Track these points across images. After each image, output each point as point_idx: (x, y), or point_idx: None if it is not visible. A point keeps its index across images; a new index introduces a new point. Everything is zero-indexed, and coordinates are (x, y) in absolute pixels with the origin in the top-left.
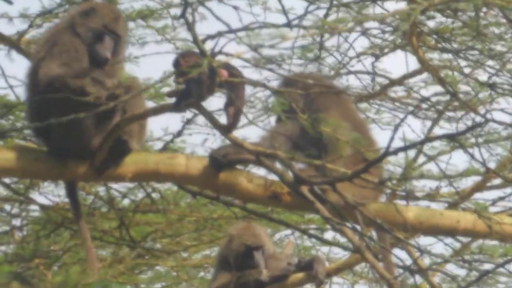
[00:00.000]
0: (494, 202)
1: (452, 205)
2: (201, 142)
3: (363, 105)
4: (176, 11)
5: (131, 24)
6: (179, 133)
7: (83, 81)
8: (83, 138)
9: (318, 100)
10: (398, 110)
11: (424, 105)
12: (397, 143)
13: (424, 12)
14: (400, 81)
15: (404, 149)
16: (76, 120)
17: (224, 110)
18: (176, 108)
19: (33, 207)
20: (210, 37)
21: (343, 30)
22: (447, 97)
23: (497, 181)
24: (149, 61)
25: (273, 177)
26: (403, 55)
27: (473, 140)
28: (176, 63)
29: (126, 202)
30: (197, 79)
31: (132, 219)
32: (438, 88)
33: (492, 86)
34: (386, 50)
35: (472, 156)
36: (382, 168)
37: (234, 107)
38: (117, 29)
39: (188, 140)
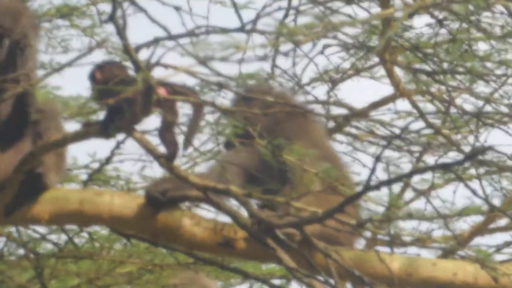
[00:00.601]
0: (499, 249)
1: (448, 253)
2: (137, 170)
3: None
4: (105, 7)
5: (50, 25)
6: (108, 161)
7: None
8: None
9: (281, 122)
10: (363, 149)
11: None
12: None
13: (411, 16)
14: (365, 112)
15: (388, 182)
16: None
17: (160, 136)
18: (103, 133)
19: None
20: (145, 45)
21: (309, 39)
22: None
23: (503, 221)
24: (76, 70)
25: (224, 218)
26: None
27: (473, 171)
28: (92, 78)
29: (47, 246)
30: (129, 98)
31: (53, 267)
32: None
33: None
34: (345, 75)
35: (472, 191)
36: (360, 206)
37: (171, 131)
38: (17, 29)
39: (123, 168)
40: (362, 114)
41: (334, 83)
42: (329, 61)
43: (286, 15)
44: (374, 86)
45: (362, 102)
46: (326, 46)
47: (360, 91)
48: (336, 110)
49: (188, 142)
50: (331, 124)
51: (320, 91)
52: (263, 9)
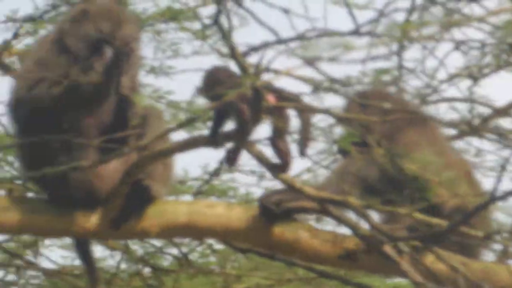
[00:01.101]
0: None
1: None
2: (255, 181)
3: (458, 143)
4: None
5: (160, 26)
6: (216, 173)
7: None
8: (90, 179)
9: (400, 129)
10: (506, 149)
11: None
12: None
13: None
14: (507, 110)
15: None
16: (78, 155)
17: (272, 145)
18: (212, 142)
19: (34, 272)
20: (253, 49)
21: (425, 38)
22: None
23: None
24: (186, 74)
25: (344, 230)
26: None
27: None
28: (206, 83)
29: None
30: (237, 106)
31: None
32: None
33: None
34: (486, 70)
35: None
36: (487, 218)
37: (284, 139)
38: (119, 36)
39: (238, 179)
40: (504, 112)
41: (475, 79)
42: (466, 57)
43: (408, 16)
44: None
45: (503, 100)
46: (460, 43)
47: (502, 88)
48: (478, 108)
49: (302, 151)
50: (475, 121)
51: (453, 91)
52: (382, 10)
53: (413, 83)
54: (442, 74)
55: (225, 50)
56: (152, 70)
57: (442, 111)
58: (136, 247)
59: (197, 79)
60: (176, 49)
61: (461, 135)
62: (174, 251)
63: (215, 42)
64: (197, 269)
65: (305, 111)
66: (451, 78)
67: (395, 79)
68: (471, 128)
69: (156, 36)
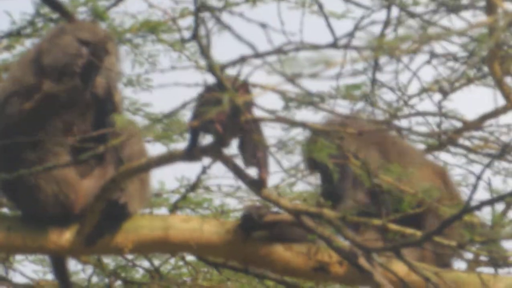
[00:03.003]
0: None
1: None
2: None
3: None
4: (188, 21)
5: (137, 40)
6: (193, 188)
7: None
8: (65, 193)
9: (375, 143)
10: (474, 163)
11: None
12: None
13: None
14: (477, 125)
15: (491, 202)
16: (52, 171)
17: (246, 158)
18: (188, 156)
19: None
20: (231, 63)
21: (403, 52)
22: None
23: None
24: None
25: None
26: (480, 90)
27: None
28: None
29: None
30: (214, 120)
31: None
32: None
33: None
34: (457, 84)
35: None
36: (457, 227)
37: (261, 153)
38: (96, 39)
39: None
40: (474, 126)
41: (445, 93)
42: (437, 71)
43: (384, 29)
44: (486, 97)
45: (473, 114)
46: (433, 56)
47: (471, 102)
48: (447, 123)
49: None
50: (443, 136)
51: (425, 104)
52: (358, 23)
53: (385, 97)
54: (415, 87)
55: (203, 64)
56: (130, 83)
57: (414, 124)
58: (108, 260)
59: (173, 93)
60: (153, 61)
61: (430, 149)
62: (146, 263)
63: (193, 53)
64: (169, 281)
65: (256, 135)
66: (422, 92)
67: (366, 94)
68: (440, 142)
69: (133, 49)
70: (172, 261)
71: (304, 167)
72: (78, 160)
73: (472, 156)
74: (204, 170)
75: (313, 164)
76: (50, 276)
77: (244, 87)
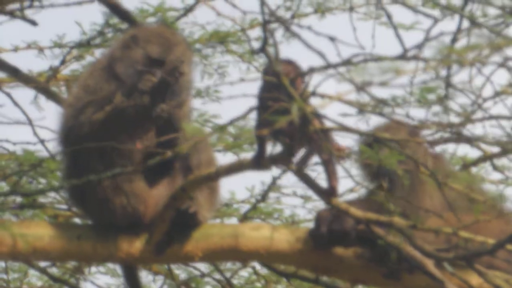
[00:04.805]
0: None
1: None
2: (303, 205)
3: (500, 161)
4: (257, 32)
5: (206, 50)
6: (263, 198)
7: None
8: (134, 204)
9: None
10: None
11: None
12: None
13: None
14: None
15: None
16: (122, 179)
17: (323, 167)
18: (257, 165)
19: None
20: (300, 74)
21: (476, 61)
22: None
23: None
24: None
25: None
26: None
27: None
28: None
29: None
30: (284, 129)
31: None
32: None
33: None
34: None
35: None
36: None
37: (330, 162)
38: (168, 58)
39: (284, 198)
40: None
41: None
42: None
43: (454, 39)
44: None
45: None
46: (506, 60)
47: None
48: None
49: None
50: None
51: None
52: (427, 33)
53: (459, 101)
54: (488, 92)
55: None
56: (199, 94)
57: (488, 128)
58: (179, 271)
59: (243, 104)
60: (222, 72)
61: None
62: (217, 275)
63: (262, 65)
64: None
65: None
66: (497, 95)
67: (441, 98)
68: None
69: (203, 60)
70: (244, 274)
71: (363, 176)
72: (147, 166)
73: None
74: (274, 179)
75: (375, 172)
76: None
77: (300, 77)
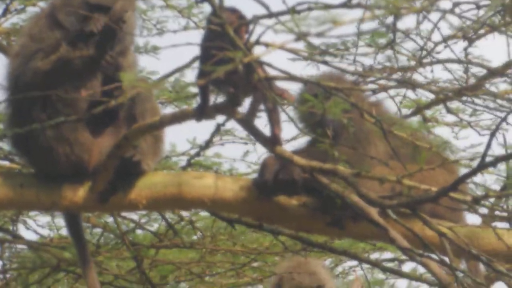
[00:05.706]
0: None
1: None
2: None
3: (454, 104)
4: None
5: (145, 6)
6: (207, 145)
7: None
8: (78, 153)
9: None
10: (501, 109)
11: None
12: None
13: None
14: (502, 71)
15: (506, 158)
16: (66, 128)
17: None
18: (201, 114)
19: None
20: (244, 23)
21: (416, 10)
22: None
23: None
24: (171, 52)
25: None
26: (504, 38)
27: None
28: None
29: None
30: (228, 78)
31: (153, 257)
32: None
33: None
34: (481, 32)
35: None
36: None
37: (274, 111)
38: (109, 5)
39: (223, 153)
40: (498, 72)
41: (470, 40)
42: (460, 20)
43: None
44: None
45: (497, 62)
46: (456, 4)
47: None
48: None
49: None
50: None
51: (447, 53)
52: None
53: (407, 46)
54: (437, 37)
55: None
56: (137, 49)
57: (437, 73)
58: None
59: (181, 61)
60: (161, 27)
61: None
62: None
63: (201, 20)
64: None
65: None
66: (446, 39)
67: (390, 42)
68: (458, 94)
69: (142, 15)
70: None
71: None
72: (91, 115)
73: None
74: (218, 127)
75: (318, 122)
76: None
77: (244, 26)
